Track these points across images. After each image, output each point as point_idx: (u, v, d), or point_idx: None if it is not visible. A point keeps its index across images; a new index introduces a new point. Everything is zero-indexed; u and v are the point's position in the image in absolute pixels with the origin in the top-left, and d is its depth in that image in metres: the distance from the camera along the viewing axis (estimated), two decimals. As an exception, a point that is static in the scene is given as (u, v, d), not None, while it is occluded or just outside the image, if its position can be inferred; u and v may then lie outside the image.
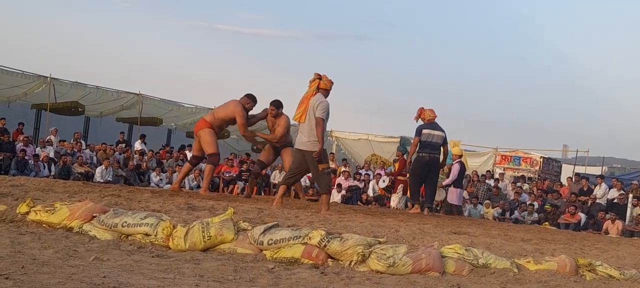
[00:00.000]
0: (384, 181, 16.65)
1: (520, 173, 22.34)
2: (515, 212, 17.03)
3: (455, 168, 13.48)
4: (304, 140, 8.84)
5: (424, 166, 11.48)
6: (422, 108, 11.63)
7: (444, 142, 11.59)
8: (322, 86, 8.83)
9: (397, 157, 16.86)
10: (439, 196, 13.37)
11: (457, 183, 13.52)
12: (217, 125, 10.25)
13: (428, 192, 11.66)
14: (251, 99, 10.29)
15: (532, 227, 12.53)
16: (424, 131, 11.46)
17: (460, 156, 13.80)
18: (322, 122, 8.67)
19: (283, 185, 9.38)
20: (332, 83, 8.95)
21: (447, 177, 13.72)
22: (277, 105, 10.24)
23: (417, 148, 11.67)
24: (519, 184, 19.52)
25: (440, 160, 11.63)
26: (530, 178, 21.30)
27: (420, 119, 11.67)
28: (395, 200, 15.62)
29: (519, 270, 5.31)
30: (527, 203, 17.15)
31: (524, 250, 6.40)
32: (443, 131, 11.57)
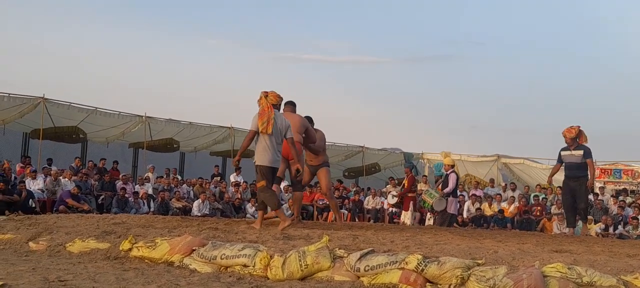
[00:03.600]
0: (393, 197, 16.41)
1: (622, 187, 21.56)
2: (619, 227, 16.40)
3: (453, 177, 13.42)
4: (280, 157, 8.85)
5: (567, 190, 11.31)
6: (567, 128, 11.26)
7: (582, 159, 11.12)
8: (272, 102, 8.72)
9: (405, 174, 16.59)
10: (440, 206, 13.33)
11: (453, 193, 13.62)
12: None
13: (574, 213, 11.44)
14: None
15: (638, 242, 12.05)
16: (562, 153, 11.27)
17: (452, 166, 13.71)
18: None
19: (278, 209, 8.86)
20: (281, 98, 8.95)
21: (443, 188, 13.68)
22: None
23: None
24: (621, 198, 18.82)
25: (585, 179, 11.19)
26: (632, 191, 20.52)
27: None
28: (407, 216, 15.37)
29: (627, 287, 5.10)
30: (631, 217, 16.50)
31: (630, 266, 6.14)
32: (582, 149, 11.11)
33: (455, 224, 17.14)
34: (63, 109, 19.20)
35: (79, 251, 6.49)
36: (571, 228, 11.43)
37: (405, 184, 15.72)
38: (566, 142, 11.12)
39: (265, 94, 8.73)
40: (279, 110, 8.87)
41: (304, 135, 9.64)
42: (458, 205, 14.35)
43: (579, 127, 11.08)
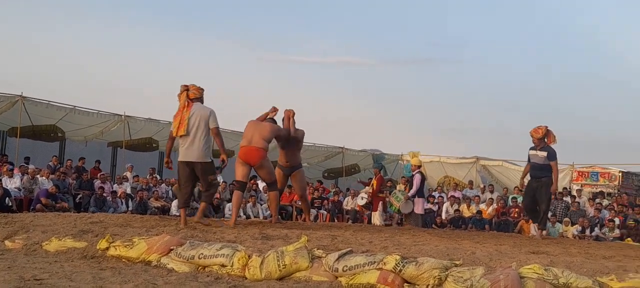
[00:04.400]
0: (362, 198, 16.47)
1: (599, 189, 21.76)
2: (596, 229, 16.56)
3: (418, 178, 13.51)
4: (194, 152, 8.73)
5: (528, 190, 11.18)
6: (534, 128, 11.08)
7: (545, 160, 10.88)
8: (192, 96, 8.73)
9: (374, 174, 16.65)
10: (407, 208, 13.44)
11: (419, 193, 13.69)
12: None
13: (538, 214, 11.23)
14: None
15: (613, 244, 12.17)
16: (529, 152, 11.12)
17: (419, 166, 13.83)
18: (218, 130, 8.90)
19: (183, 207, 9.12)
20: (203, 90, 8.90)
21: (409, 189, 13.81)
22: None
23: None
24: (598, 200, 19.00)
25: (548, 180, 10.91)
26: (609, 194, 20.72)
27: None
28: (376, 217, 15.40)
29: (602, 288, 5.14)
30: (608, 219, 16.67)
31: (606, 268, 6.20)
32: (547, 150, 10.89)
33: (433, 225, 17.25)
34: (41, 108, 19.08)
35: (56, 250, 6.44)
36: (541, 228, 11.25)
37: (374, 185, 15.73)
38: (533, 142, 11.07)
39: (186, 88, 8.74)
40: (201, 102, 8.84)
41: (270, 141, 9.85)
42: (425, 204, 14.40)
43: (547, 127, 10.92)
